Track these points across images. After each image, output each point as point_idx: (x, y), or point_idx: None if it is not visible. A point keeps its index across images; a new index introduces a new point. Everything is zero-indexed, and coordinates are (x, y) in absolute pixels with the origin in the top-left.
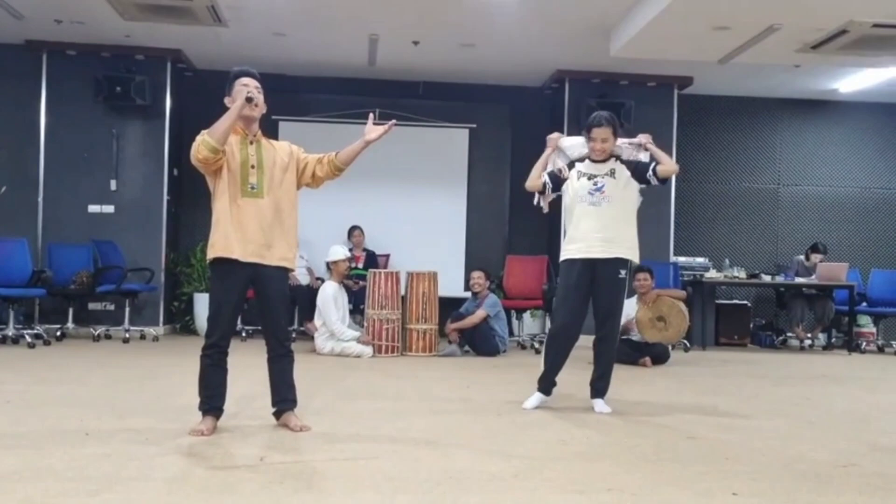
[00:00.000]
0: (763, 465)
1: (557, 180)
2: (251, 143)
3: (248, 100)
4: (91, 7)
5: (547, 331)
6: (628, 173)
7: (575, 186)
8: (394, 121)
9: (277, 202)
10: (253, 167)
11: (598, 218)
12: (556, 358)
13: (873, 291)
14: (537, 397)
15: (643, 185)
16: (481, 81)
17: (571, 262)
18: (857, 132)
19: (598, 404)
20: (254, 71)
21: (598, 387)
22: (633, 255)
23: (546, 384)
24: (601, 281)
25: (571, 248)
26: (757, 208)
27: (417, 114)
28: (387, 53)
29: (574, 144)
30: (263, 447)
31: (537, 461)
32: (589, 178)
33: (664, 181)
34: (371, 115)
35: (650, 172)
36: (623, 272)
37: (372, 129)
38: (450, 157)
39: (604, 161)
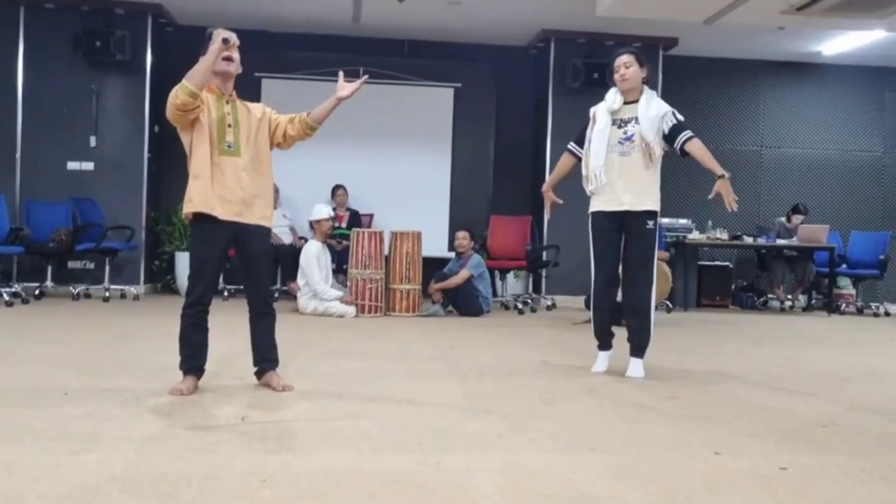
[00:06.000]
0: (745, 424)
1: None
2: (227, 102)
3: (225, 41)
4: None
5: (590, 291)
6: (657, 125)
7: (602, 128)
8: (366, 76)
9: (254, 161)
10: (230, 126)
11: (627, 168)
12: (604, 315)
13: (853, 253)
14: (602, 358)
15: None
16: (466, 40)
17: (600, 215)
18: (839, 95)
19: (631, 366)
20: (231, 32)
21: (633, 343)
22: (658, 206)
23: (604, 341)
24: (631, 233)
25: (599, 199)
26: (740, 170)
27: (402, 72)
28: (371, 10)
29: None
30: (245, 406)
31: (520, 420)
32: (619, 127)
33: (684, 155)
34: (341, 73)
35: (679, 143)
36: (651, 223)
37: (344, 86)
38: (434, 117)
39: (634, 101)
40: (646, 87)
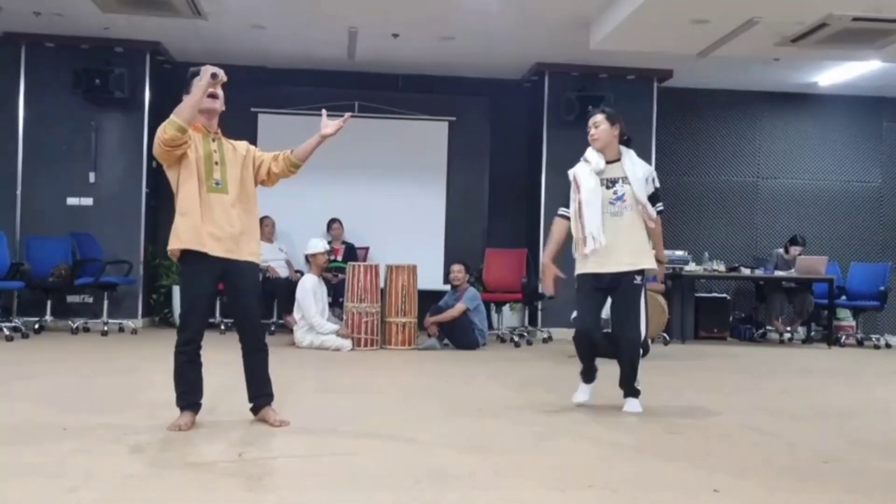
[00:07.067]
0: (744, 460)
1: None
2: (213, 139)
3: (214, 76)
4: None
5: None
6: (645, 186)
7: (593, 189)
8: (349, 114)
9: (241, 198)
10: (217, 163)
11: (621, 228)
12: (585, 356)
13: (852, 285)
14: (584, 389)
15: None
16: (461, 74)
17: (590, 277)
18: (836, 126)
19: (626, 404)
20: (218, 69)
21: (624, 388)
22: (652, 263)
23: (587, 375)
24: (619, 290)
25: (593, 261)
26: (736, 201)
27: (397, 107)
28: (366, 46)
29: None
30: (241, 443)
31: (517, 457)
32: (608, 187)
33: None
34: (324, 111)
35: (652, 211)
36: (638, 278)
37: (328, 124)
38: (429, 150)
39: (616, 160)
40: (622, 147)
